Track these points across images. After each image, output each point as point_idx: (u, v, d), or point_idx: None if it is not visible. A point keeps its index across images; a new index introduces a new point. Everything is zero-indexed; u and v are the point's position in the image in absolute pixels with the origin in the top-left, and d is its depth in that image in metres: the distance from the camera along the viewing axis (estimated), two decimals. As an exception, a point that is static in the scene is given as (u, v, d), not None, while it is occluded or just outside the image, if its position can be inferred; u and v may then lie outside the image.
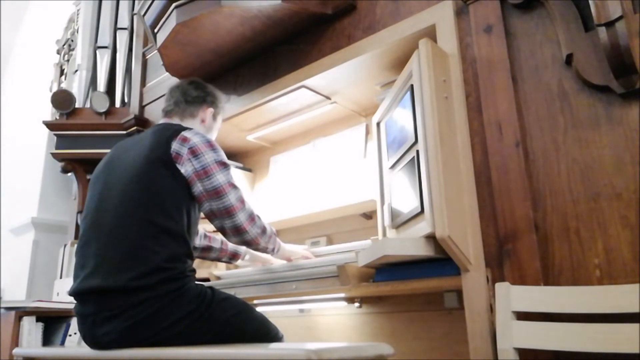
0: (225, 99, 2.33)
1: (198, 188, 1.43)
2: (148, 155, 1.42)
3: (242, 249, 1.86)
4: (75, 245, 1.51)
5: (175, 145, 1.43)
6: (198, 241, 1.80)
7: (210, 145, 1.48)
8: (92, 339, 1.34)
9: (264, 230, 1.54)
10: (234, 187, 1.47)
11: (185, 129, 1.51)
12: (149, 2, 2.05)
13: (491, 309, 1.27)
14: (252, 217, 1.50)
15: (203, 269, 2.17)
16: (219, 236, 1.81)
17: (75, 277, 1.40)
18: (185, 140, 1.45)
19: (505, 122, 1.37)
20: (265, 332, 1.48)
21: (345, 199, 1.96)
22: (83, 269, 1.37)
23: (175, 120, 1.65)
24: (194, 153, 1.44)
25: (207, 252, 1.82)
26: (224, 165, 1.48)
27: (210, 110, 1.72)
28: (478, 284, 1.31)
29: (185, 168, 1.42)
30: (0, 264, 3.82)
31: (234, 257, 1.87)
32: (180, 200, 1.41)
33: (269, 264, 1.85)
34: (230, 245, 1.85)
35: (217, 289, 1.45)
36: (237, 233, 1.48)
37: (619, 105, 1.23)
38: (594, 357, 1.08)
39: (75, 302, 1.40)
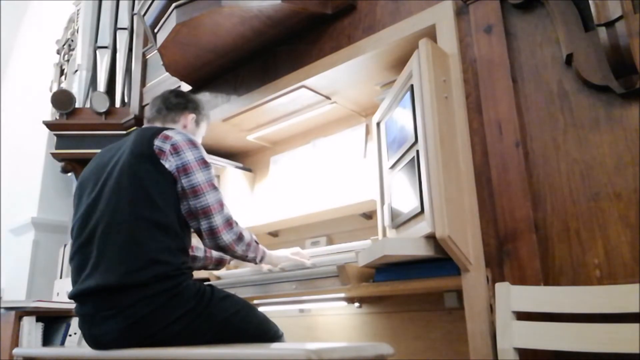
0: (225, 99, 2.33)
1: (179, 185, 1.43)
2: (132, 152, 1.43)
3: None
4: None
5: (157, 142, 1.44)
6: None
7: (191, 143, 1.47)
8: (92, 338, 1.35)
9: (240, 237, 1.48)
10: (214, 187, 1.46)
11: (167, 129, 1.51)
12: (149, 2, 2.05)
13: (491, 309, 1.27)
14: (229, 222, 1.46)
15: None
16: (202, 245, 1.79)
17: (74, 281, 1.41)
18: (167, 137, 1.45)
19: (505, 122, 1.37)
20: (265, 331, 1.47)
21: (345, 199, 1.96)
22: (81, 272, 1.38)
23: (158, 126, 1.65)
24: (176, 150, 1.44)
25: (192, 262, 1.76)
26: (205, 164, 1.47)
27: (192, 116, 1.72)
28: (478, 284, 1.31)
29: (170, 163, 1.42)
30: (0, 264, 3.81)
31: (219, 263, 1.84)
32: (168, 194, 1.41)
33: (256, 268, 1.80)
34: (215, 252, 1.81)
35: (216, 288, 1.44)
36: (211, 236, 1.44)
37: (619, 105, 1.23)
38: (594, 357, 1.08)
39: (75, 303, 1.41)
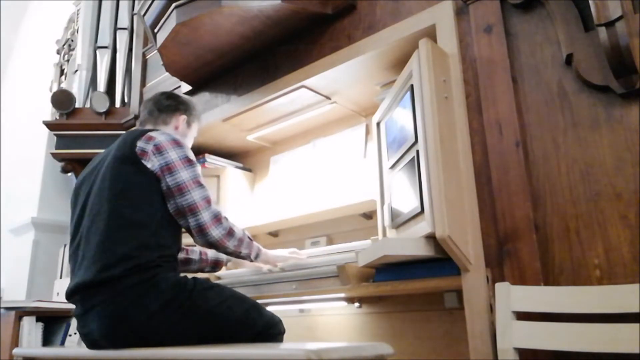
0: (225, 99, 2.33)
1: (164, 184, 1.44)
2: (114, 155, 1.46)
3: (223, 256, 1.81)
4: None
5: (140, 144, 1.46)
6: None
7: (175, 142, 1.49)
8: (85, 337, 1.39)
9: (230, 233, 1.48)
10: (200, 185, 1.46)
11: (152, 130, 1.53)
12: (149, 2, 2.05)
13: (491, 309, 1.27)
14: (217, 218, 1.46)
15: (203, 269, 2.17)
16: (198, 247, 1.79)
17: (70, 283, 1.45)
18: (150, 138, 1.47)
19: (505, 122, 1.37)
20: (255, 318, 1.44)
21: (345, 199, 1.96)
22: (74, 273, 1.43)
23: (148, 127, 1.66)
24: (159, 150, 1.45)
25: (187, 265, 1.77)
26: (189, 162, 1.47)
27: (184, 117, 1.74)
28: (478, 284, 1.31)
29: (152, 163, 1.44)
30: (0, 264, 3.81)
31: (216, 265, 1.84)
32: (150, 194, 1.42)
33: (255, 268, 1.79)
34: (210, 254, 1.81)
35: (200, 279, 1.42)
36: (200, 233, 1.44)
37: (619, 105, 1.23)
38: (593, 357, 1.08)
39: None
